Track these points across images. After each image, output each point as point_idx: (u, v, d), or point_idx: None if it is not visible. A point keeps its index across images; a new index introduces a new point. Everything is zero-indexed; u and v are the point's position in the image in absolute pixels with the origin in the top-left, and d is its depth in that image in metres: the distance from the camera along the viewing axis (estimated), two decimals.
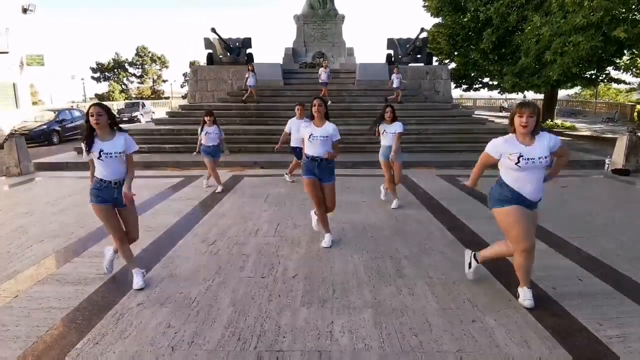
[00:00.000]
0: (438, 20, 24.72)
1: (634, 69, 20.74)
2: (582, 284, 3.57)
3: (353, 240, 4.67)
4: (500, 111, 42.95)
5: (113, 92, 57.61)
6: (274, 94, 15.44)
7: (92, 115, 3.23)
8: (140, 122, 26.70)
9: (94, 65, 61.66)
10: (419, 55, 18.12)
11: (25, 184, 8.13)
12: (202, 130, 6.99)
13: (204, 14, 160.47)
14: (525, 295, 3.15)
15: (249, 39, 17.76)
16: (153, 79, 65.00)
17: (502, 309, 3.13)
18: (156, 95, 62.30)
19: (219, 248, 4.47)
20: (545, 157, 2.97)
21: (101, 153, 3.26)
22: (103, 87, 61.00)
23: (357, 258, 4.13)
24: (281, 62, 18.50)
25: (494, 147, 3.10)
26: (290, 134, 7.25)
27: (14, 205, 6.37)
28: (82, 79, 50.07)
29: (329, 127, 4.30)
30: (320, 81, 14.83)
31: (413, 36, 17.98)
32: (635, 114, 28.90)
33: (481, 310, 3.11)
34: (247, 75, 14.52)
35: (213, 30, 16.12)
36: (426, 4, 24.69)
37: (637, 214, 5.84)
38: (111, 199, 3.38)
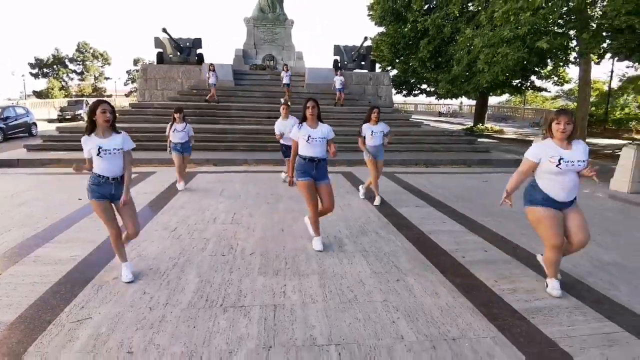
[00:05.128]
0: (381, 29, 26.12)
1: (555, 78, 23.24)
2: (487, 254, 4.45)
3: (302, 224, 5.30)
4: (439, 116, 45.73)
5: (52, 89, 54.34)
6: (225, 94, 15.76)
7: (104, 112, 3.34)
8: (83, 120, 25.75)
9: (32, 61, 57.83)
10: (363, 62, 19.21)
11: None
12: (171, 127, 6.94)
13: (150, 11, 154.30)
14: (553, 286, 3.44)
15: (200, 39, 17.91)
16: (95, 76, 61.94)
17: (421, 272, 3.91)
18: (98, 93, 59.41)
19: (181, 234, 4.94)
20: (584, 161, 3.13)
21: (100, 150, 3.35)
22: (42, 84, 57.40)
23: (306, 238, 4.77)
24: (232, 63, 18.80)
25: (534, 152, 3.26)
26: (282, 135, 7.25)
27: None
28: (23, 75, 47.03)
29: (324, 128, 4.31)
30: (282, 83, 15.60)
31: (358, 44, 19.02)
32: None
33: (404, 273, 3.88)
34: (208, 75, 14.84)
35: (164, 30, 16.18)
36: (370, 13, 26.01)
37: None
38: (109, 194, 3.47)
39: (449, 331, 2.89)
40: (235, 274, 3.79)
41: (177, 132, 6.94)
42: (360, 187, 6.94)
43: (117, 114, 3.59)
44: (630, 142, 8.48)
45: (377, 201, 6.40)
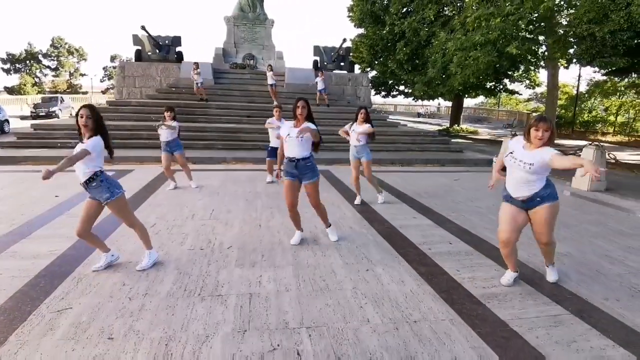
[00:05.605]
0: (361, 30, 26.49)
1: (527, 81, 24.10)
2: (451, 246, 4.74)
3: (279, 220, 5.50)
4: (418, 117, 46.57)
5: (25, 85, 52.66)
6: (205, 93, 15.76)
7: (81, 117, 3.38)
8: (58, 117, 25.20)
9: (4, 56, 55.99)
10: (342, 63, 19.52)
11: None
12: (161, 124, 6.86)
13: (127, 7, 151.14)
14: (504, 276, 3.71)
15: (179, 37, 17.86)
16: (70, 72, 60.37)
17: (390, 263, 4.16)
18: (73, 89, 57.94)
19: (160, 229, 5.05)
20: (531, 165, 3.18)
21: None
22: (14, 80, 55.62)
23: (282, 233, 4.96)
24: (211, 61, 18.79)
25: (506, 148, 3.48)
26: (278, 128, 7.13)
27: None
28: None
29: (309, 127, 4.16)
30: (268, 84, 15.64)
31: (338, 45, 19.30)
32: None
33: (374, 263, 4.12)
34: (192, 76, 14.78)
35: (143, 27, 16.07)
36: (350, 14, 26.35)
37: None
38: (90, 197, 3.66)
39: (411, 314, 3.14)
40: (213, 266, 3.95)
41: (164, 130, 6.88)
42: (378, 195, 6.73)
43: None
44: (590, 143, 8.95)
45: (357, 200, 6.55)
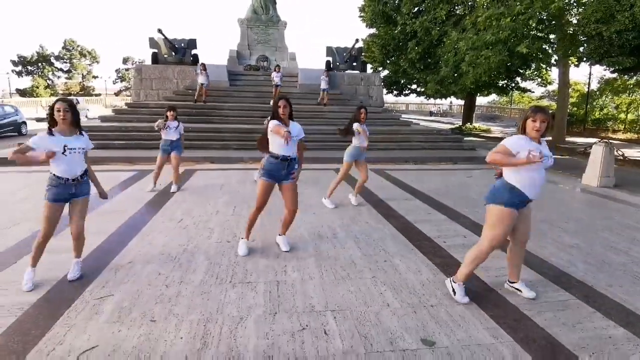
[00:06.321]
0: (372, 30, 26.66)
1: (539, 79, 24.04)
2: (465, 239, 4.95)
3: (299, 216, 5.73)
4: (430, 115, 46.58)
5: (37, 87, 53.86)
6: (220, 95, 16.15)
7: (58, 111, 3.33)
8: None
9: (15, 58, 57.30)
10: (354, 63, 19.73)
11: None
12: (163, 123, 6.91)
13: (139, 9, 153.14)
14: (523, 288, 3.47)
15: (194, 40, 18.25)
16: (82, 74, 61.59)
17: (406, 254, 4.39)
18: (86, 91, 59.12)
19: (187, 224, 5.35)
20: (552, 157, 3.09)
21: (65, 148, 3.35)
22: (26, 82, 56.87)
23: (302, 228, 5.23)
24: (226, 63, 19.16)
25: (513, 143, 3.05)
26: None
27: None
28: (8, 73, 46.66)
29: (296, 127, 4.20)
30: (273, 83, 15.96)
31: (350, 45, 19.53)
32: None
33: (391, 255, 4.36)
34: (196, 72, 15.20)
35: (159, 30, 16.51)
36: (362, 15, 26.54)
37: None
38: (68, 194, 3.51)
39: (428, 300, 3.37)
40: (241, 257, 4.23)
41: (169, 130, 6.96)
42: (350, 195, 6.71)
43: (77, 112, 3.52)
44: (599, 140, 9.05)
45: (354, 201, 6.46)
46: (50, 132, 3.39)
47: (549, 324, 3.02)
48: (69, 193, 3.51)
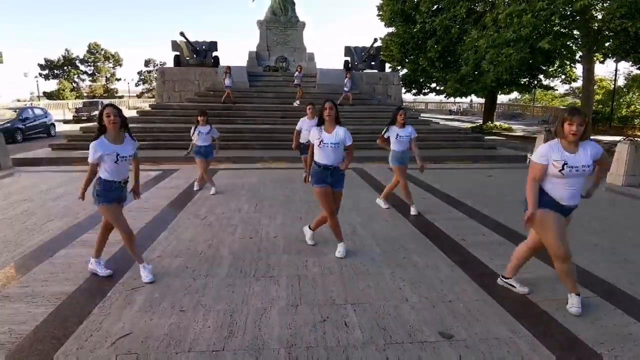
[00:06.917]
0: (391, 29, 26.58)
1: (562, 76, 23.56)
2: (484, 237, 4.98)
3: (318, 214, 5.84)
4: (450, 114, 46.08)
5: (63, 90, 55.65)
6: (241, 96, 16.41)
7: (108, 116, 3.39)
8: None
9: (42, 62, 59.35)
10: (373, 63, 19.75)
11: (8, 177, 8.64)
12: (195, 130, 6.86)
13: (160, 11, 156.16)
14: (571, 302, 3.19)
15: (215, 42, 18.61)
16: (106, 77, 63.32)
17: (425, 251, 4.46)
18: (109, 94, 60.76)
19: (211, 221, 5.54)
20: (589, 166, 2.96)
21: (118, 157, 3.46)
22: (52, 85, 58.82)
23: (324, 225, 5.33)
24: (245, 65, 19.46)
25: (541, 154, 3.02)
26: (300, 132, 7.38)
27: (8, 195, 7.00)
28: (36, 76, 48.41)
29: (339, 132, 4.06)
30: (294, 83, 16.13)
31: (368, 45, 19.55)
32: None
33: (410, 252, 4.44)
34: (223, 77, 15.53)
35: (181, 34, 16.93)
36: (380, 14, 26.50)
37: None
38: (117, 197, 3.62)
39: (446, 295, 3.44)
40: (263, 253, 4.38)
41: (200, 135, 6.85)
42: (378, 200, 6.41)
43: (124, 116, 3.61)
44: (624, 138, 8.86)
45: (413, 210, 5.91)
46: (97, 139, 3.45)
47: (568, 320, 3.05)
48: (118, 196, 3.63)
